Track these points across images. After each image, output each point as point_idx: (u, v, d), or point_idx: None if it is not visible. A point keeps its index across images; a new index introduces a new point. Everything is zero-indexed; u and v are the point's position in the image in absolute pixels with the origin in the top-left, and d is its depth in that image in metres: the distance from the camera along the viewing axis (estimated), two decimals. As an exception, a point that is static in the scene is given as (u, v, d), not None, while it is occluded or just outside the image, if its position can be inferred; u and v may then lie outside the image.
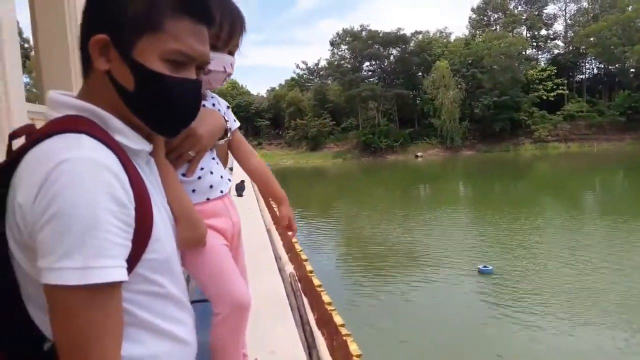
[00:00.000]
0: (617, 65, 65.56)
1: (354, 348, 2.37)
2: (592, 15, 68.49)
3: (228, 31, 1.36)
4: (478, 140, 64.79)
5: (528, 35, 73.17)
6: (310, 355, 2.83)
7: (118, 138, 0.88)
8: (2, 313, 0.84)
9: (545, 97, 63.44)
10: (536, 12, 72.44)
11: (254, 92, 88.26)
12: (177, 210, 1.06)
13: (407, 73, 71.07)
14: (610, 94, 67.05)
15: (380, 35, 70.83)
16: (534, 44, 73.38)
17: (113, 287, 0.78)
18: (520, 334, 8.07)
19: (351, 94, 67.83)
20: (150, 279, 0.89)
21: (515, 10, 73.64)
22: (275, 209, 7.32)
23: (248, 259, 1.62)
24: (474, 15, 77.17)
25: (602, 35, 61.39)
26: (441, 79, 63.54)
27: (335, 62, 75.01)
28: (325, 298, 3.17)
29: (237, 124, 1.55)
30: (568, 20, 72.73)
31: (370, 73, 75.38)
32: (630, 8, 62.63)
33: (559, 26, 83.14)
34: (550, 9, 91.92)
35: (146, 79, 0.88)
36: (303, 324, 3.28)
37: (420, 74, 71.40)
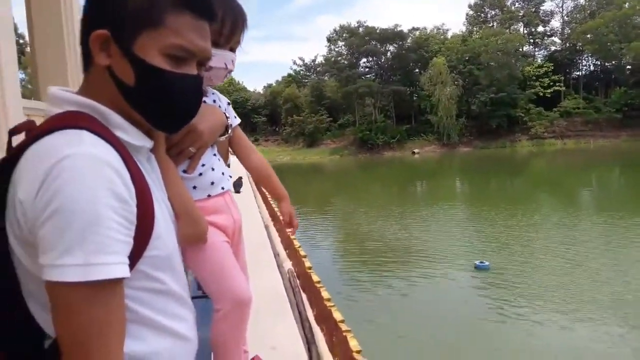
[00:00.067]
0: (613, 62, 65.78)
1: (354, 344, 2.37)
2: (589, 12, 68.59)
3: (230, 28, 1.35)
4: (475, 136, 64.90)
5: (525, 31, 73.24)
6: (309, 351, 2.83)
7: (119, 134, 0.88)
8: (2, 310, 0.84)
9: (541, 94, 63.56)
10: (533, 9, 72.49)
11: (250, 88, 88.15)
12: (177, 207, 1.06)
13: (404, 69, 71.05)
14: (606, 91, 67.21)
15: (378, 31, 70.74)
16: (531, 40, 73.50)
17: (115, 284, 0.77)
18: (516, 329, 8.12)
19: (348, 90, 67.78)
20: (152, 276, 0.89)
21: (513, 7, 73.68)
22: (275, 207, 7.30)
23: (247, 255, 1.61)
24: (471, 12, 77.19)
25: (599, 32, 61.51)
26: (438, 75, 63.57)
27: (332, 59, 74.87)
28: (325, 294, 3.18)
29: (238, 120, 1.55)
30: (565, 17, 72.84)
31: (367, 69, 75.33)
32: (627, 5, 62.75)
33: (556, 23, 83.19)
34: (547, 5, 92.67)
35: (147, 74, 0.88)
36: (302, 320, 3.28)
37: (417, 70, 71.39)
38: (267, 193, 8.72)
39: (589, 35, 63.65)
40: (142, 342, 0.86)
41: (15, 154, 0.81)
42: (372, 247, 14.57)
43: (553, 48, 72.91)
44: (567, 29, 71.22)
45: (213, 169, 1.38)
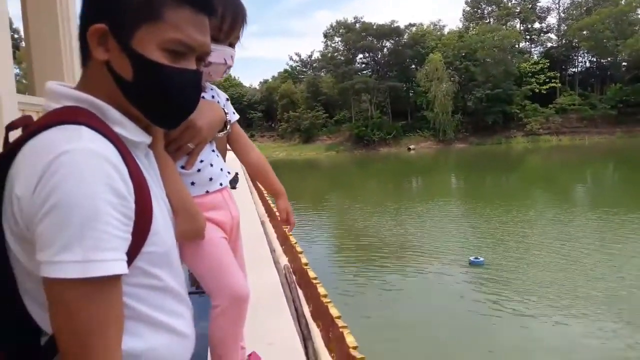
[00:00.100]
0: (609, 59, 65.94)
1: (350, 340, 2.38)
2: (585, 8, 68.68)
3: (230, 23, 1.35)
4: (470, 133, 65.01)
5: (521, 28, 73.34)
6: (306, 347, 2.84)
7: (117, 130, 0.87)
8: (-1, 307, 0.83)
9: (537, 90, 63.69)
10: (530, 5, 72.55)
11: (246, 84, 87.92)
12: (175, 203, 1.05)
13: (400, 66, 71.03)
14: (602, 88, 67.43)
15: (374, 27, 70.64)
16: (527, 37, 73.58)
17: (113, 280, 0.77)
18: (511, 324, 8.16)
19: (344, 86, 67.70)
20: (149, 272, 0.88)
21: (509, 3, 73.70)
22: (271, 203, 7.29)
23: (243, 251, 1.61)
24: (467, 8, 77.18)
25: (595, 28, 61.66)
26: (434, 71, 63.58)
27: (329, 54, 74.74)
28: (321, 290, 3.18)
29: (237, 116, 1.54)
30: (561, 14, 72.96)
31: (363, 65, 75.27)
32: (623, 1, 62.95)
33: (552, 19, 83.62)
34: (544, 2, 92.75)
35: (145, 68, 0.87)
36: (299, 316, 3.29)
37: (413, 66, 71.37)
38: (263, 189, 8.71)
39: (585, 32, 63.79)
40: (139, 338, 0.86)
41: (12, 150, 0.80)
42: (367, 242, 14.59)
43: (549, 44, 73.12)
44: (564, 25, 71.35)
45: (212, 165, 1.38)
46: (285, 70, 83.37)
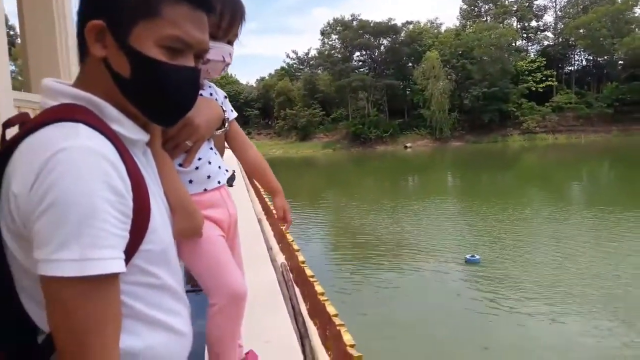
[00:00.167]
0: (605, 57, 66.17)
1: (347, 338, 2.38)
2: (582, 7, 68.90)
3: (229, 20, 1.34)
4: (467, 131, 65.14)
5: (518, 26, 73.51)
6: (303, 345, 2.84)
7: (114, 127, 0.87)
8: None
9: (534, 89, 63.87)
10: (527, 3, 72.69)
11: (243, 81, 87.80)
12: (173, 201, 1.05)
13: (397, 63, 71.08)
14: (598, 86, 67.64)
15: (371, 25, 70.66)
16: (524, 35, 73.75)
17: (111, 279, 0.77)
18: (506, 322, 8.19)
19: (341, 84, 67.73)
20: (147, 270, 0.88)
21: (506, 1, 73.85)
22: (269, 203, 7.28)
23: (240, 249, 1.61)
24: (464, 6, 77.35)
25: (592, 27, 61.83)
26: (431, 69, 63.65)
27: (326, 52, 74.72)
28: (318, 288, 3.18)
29: (235, 114, 1.54)
30: (558, 12, 73.18)
31: (360, 63, 75.32)
32: (619, 0, 63.04)
33: (549, 17, 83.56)
34: (541, 0, 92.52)
35: (142, 65, 0.86)
36: (295, 314, 3.29)
37: (410, 64, 71.46)
38: (260, 187, 8.70)
39: (581, 30, 63.96)
40: (136, 337, 0.86)
41: (9, 147, 0.80)
42: (364, 240, 14.60)
43: (546, 43, 73.33)
44: (560, 23, 71.55)
45: (210, 163, 1.38)
46: (282, 68, 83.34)
